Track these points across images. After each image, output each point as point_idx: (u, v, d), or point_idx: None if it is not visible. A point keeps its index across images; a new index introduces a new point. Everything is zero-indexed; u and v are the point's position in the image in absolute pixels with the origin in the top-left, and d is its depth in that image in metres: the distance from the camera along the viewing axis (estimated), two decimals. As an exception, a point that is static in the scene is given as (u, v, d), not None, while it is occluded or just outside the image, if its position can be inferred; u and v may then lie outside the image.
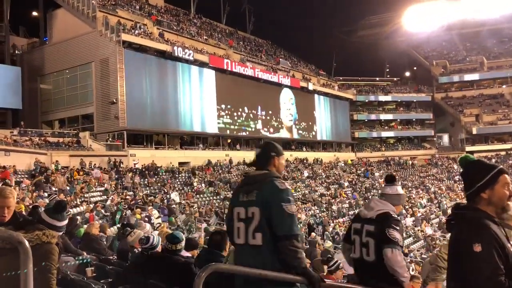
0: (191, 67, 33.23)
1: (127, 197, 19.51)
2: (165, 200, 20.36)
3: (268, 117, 40.35)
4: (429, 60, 61.77)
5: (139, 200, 19.39)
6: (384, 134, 55.91)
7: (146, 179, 24.18)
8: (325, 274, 5.49)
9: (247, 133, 38.37)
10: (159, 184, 24.12)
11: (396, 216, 2.92)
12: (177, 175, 27.25)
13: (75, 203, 16.65)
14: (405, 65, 66.23)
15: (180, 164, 30.21)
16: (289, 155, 40.68)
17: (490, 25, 58.32)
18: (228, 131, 36.56)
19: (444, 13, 56.76)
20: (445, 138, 57.18)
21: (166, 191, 22.72)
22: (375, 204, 3.02)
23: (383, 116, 56.67)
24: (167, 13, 40.48)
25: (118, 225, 13.00)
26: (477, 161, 2.23)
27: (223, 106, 35.70)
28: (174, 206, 19.61)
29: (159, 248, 4.57)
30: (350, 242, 3.09)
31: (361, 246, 2.92)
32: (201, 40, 38.34)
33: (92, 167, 23.52)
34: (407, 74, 67.29)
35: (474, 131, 51.17)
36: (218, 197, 24.90)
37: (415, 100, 58.09)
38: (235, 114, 36.91)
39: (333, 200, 29.35)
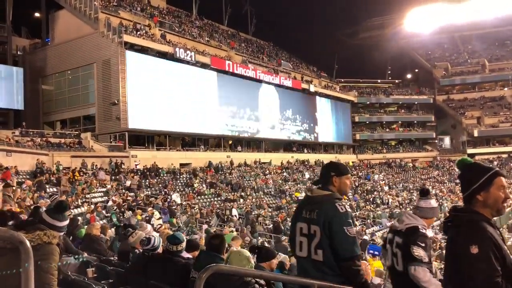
0: (192, 69, 33.28)
1: (128, 198, 19.55)
2: (167, 201, 20.39)
3: (268, 118, 40.34)
4: (430, 62, 61.70)
5: (140, 201, 19.42)
6: (386, 136, 55.86)
7: (147, 180, 24.22)
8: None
9: (248, 134, 38.38)
10: (160, 185, 24.16)
11: (424, 231, 3.02)
12: (178, 176, 27.28)
13: (76, 204, 16.70)
14: (407, 67, 66.21)
15: (181, 165, 30.26)
16: (290, 156, 40.77)
17: (492, 28, 58.31)
18: (229, 133, 36.60)
19: (446, 16, 56.72)
20: (447, 140, 57.05)
21: (167, 192, 22.75)
22: (406, 217, 3.17)
23: (385, 118, 56.70)
24: (169, 15, 40.54)
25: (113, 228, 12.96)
26: (473, 164, 2.25)
27: (224, 107, 35.74)
28: (175, 207, 19.64)
29: (160, 249, 4.59)
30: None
31: (392, 256, 3.08)
32: (202, 41, 38.39)
33: (94, 168, 23.57)
34: (409, 76, 67.21)
35: (476, 134, 51.04)
36: (219, 198, 24.92)
37: (416, 102, 58.15)
38: (236, 115, 36.94)
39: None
